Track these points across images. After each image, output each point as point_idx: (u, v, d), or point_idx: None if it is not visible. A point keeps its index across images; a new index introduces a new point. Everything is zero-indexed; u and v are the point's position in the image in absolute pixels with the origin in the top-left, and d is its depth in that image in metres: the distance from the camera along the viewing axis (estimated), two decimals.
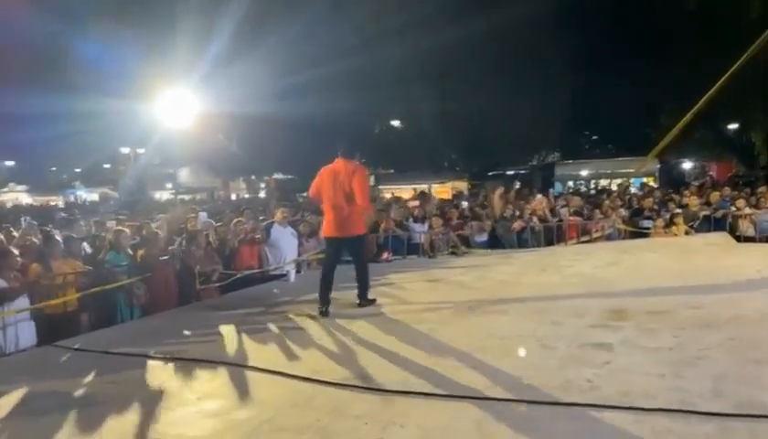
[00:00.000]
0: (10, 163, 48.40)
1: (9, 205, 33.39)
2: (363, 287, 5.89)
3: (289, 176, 27.38)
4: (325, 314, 5.53)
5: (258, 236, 8.18)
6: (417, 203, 10.93)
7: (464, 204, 11.12)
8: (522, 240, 10.30)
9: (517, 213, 10.52)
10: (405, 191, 20.81)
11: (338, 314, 5.59)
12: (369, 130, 22.52)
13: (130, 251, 6.61)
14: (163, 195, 37.64)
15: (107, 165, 47.52)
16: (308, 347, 4.59)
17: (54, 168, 46.13)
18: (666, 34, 19.94)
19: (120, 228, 6.81)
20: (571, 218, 10.67)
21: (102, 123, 26.84)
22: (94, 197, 36.87)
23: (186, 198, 33.05)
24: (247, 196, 31.83)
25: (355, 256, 5.94)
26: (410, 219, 10.41)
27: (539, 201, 10.78)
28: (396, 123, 28.99)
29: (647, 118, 23.12)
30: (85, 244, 7.46)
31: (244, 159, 24.70)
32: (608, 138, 31.30)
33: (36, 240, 6.86)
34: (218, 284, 7.38)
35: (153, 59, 21.39)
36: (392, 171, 28.19)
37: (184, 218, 9.13)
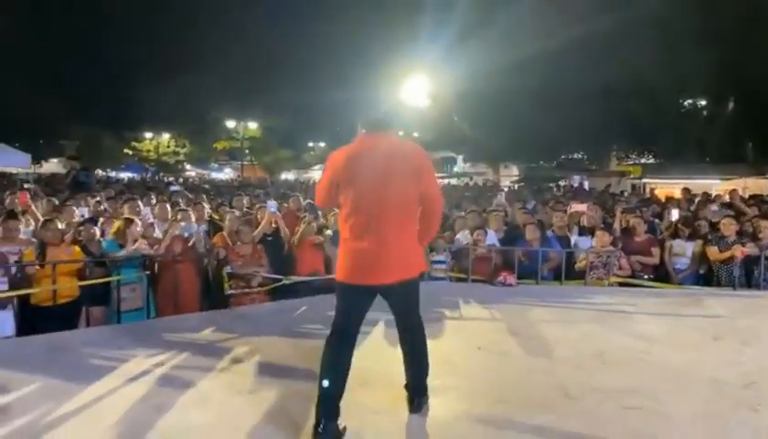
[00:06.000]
0: (322, 144, 55.75)
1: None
2: (422, 376, 3.23)
3: (531, 164, 24.18)
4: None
5: (319, 239, 6.67)
6: (584, 207, 7.66)
7: (675, 214, 7.44)
8: (752, 278, 6.51)
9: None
10: (672, 188, 16.22)
11: None
12: (628, 108, 18.23)
13: (144, 245, 5.72)
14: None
15: None
16: None
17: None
18: None
19: (130, 217, 5.96)
20: None
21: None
22: None
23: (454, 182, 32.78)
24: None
25: (407, 315, 3.15)
26: (575, 230, 7.46)
27: None
28: (688, 100, 23.47)
29: None
30: None
31: (476, 142, 22.61)
32: None
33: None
34: (255, 290, 6.12)
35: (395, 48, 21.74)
36: (660, 161, 22.50)
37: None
